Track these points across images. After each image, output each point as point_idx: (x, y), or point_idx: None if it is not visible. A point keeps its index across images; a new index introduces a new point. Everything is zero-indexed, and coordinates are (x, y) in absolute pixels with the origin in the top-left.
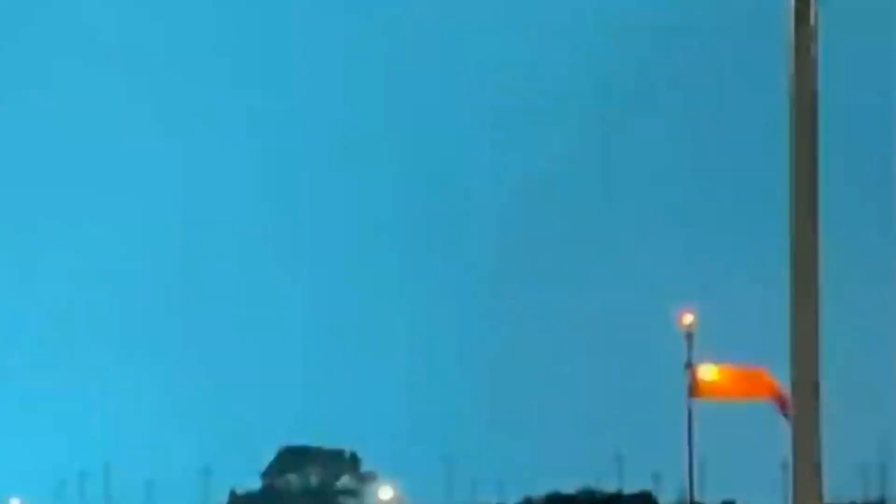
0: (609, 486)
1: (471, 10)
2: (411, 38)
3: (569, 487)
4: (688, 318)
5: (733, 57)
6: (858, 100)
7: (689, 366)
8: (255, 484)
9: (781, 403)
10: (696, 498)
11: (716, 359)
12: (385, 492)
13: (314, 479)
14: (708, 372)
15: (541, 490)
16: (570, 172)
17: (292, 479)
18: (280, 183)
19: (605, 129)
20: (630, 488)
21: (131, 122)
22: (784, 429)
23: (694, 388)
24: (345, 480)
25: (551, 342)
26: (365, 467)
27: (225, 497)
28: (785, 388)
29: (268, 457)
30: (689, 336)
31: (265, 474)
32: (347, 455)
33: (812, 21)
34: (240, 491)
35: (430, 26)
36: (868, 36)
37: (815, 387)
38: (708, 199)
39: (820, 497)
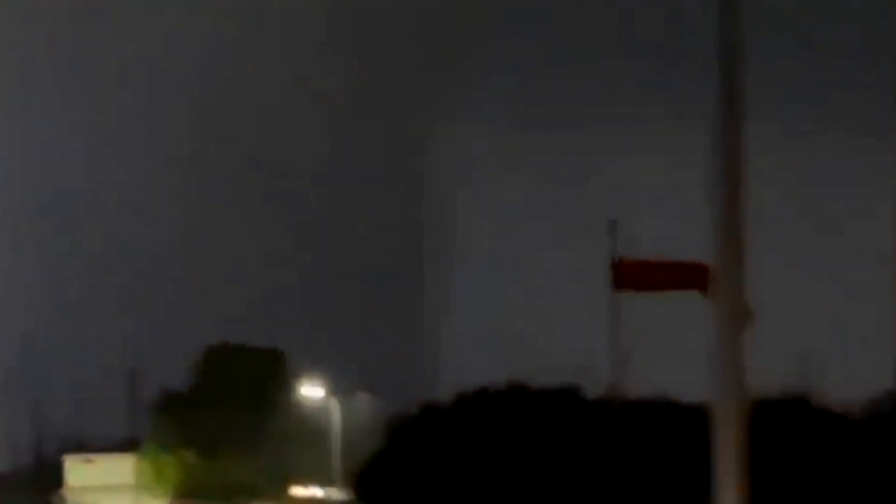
0: (535, 381)
1: None
2: None
3: (498, 383)
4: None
5: None
6: None
7: (614, 259)
8: (182, 383)
9: (706, 282)
10: (623, 392)
11: (641, 251)
12: (311, 388)
13: (242, 378)
14: (632, 265)
15: (470, 386)
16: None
17: (219, 377)
18: None
19: None
20: (557, 383)
21: None
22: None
23: (619, 281)
24: (272, 378)
25: (475, 236)
26: (292, 366)
27: (153, 397)
28: (707, 268)
29: (195, 356)
30: (613, 229)
31: (193, 373)
32: (275, 353)
33: None
34: (168, 390)
35: None
36: None
37: (740, 279)
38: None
39: (744, 392)
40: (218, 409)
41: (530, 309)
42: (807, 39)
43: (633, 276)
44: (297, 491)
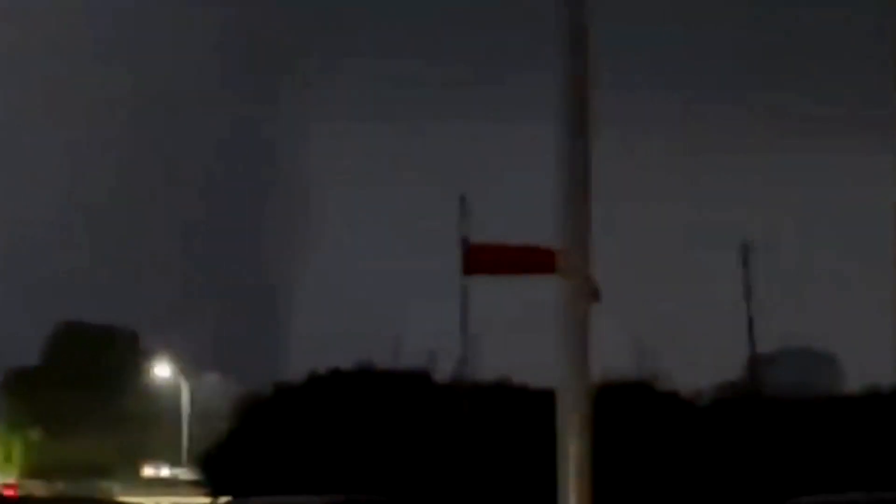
0: (385, 364)
1: None
2: None
3: (348, 364)
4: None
5: None
6: None
7: (464, 243)
8: (32, 361)
9: (552, 268)
10: (472, 376)
11: (491, 236)
12: (162, 369)
13: (91, 357)
14: (482, 249)
15: (322, 366)
16: None
17: (69, 356)
18: None
19: None
20: (407, 366)
21: None
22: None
23: (468, 266)
24: (122, 358)
25: (329, 221)
26: (143, 345)
27: (1, 375)
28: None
29: (47, 335)
30: (464, 213)
31: (43, 351)
32: (125, 333)
33: None
34: (16, 368)
35: None
36: None
37: (586, 262)
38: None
39: (588, 376)
40: (67, 388)
41: (383, 292)
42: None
43: (482, 260)
44: (148, 471)
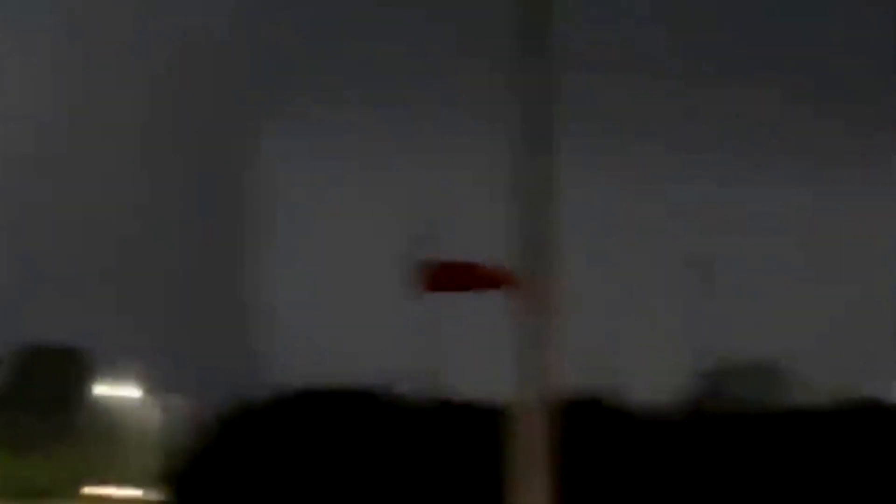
0: (343, 383)
1: None
2: None
3: (309, 385)
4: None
5: None
6: None
7: (419, 260)
8: None
9: (507, 285)
10: (425, 394)
11: (442, 253)
12: (123, 390)
13: (42, 378)
14: (437, 266)
15: (282, 388)
16: None
17: (22, 378)
18: None
19: None
20: (362, 384)
21: None
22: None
23: (423, 283)
24: (74, 378)
25: (292, 238)
26: (102, 366)
27: None
28: (509, 274)
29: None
30: (420, 228)
31: (1, 373)
32: (77, 353)
33: None
34: None
35: None
36: None
37: (544, 277)
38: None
39: (545, 393)
40: (17, 409)
41: (340, 310)
42: None
43: (437, 277)
44: (93, 490)
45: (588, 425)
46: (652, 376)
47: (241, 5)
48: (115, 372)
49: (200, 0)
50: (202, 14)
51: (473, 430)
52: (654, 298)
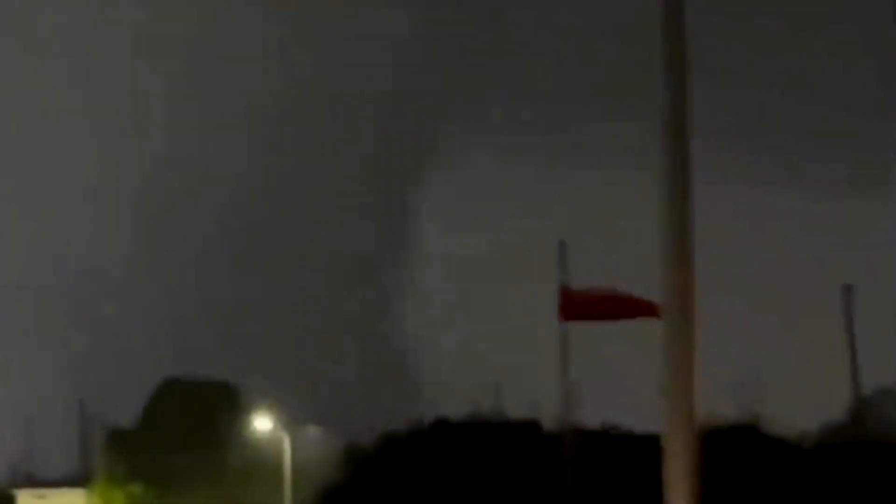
0: (491, 414)
1: None
2: None
3: (453, 412)
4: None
5: None
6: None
7: (561, 289)
8: (134, 417)
9: (654, 314)
10: (577, 423)
11: (588, 281)
12: (262, 423)
13: (192, 412)
14: (578, 295)
15: (425, 415)
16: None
17: (170, 412)
18: None
19: None
20: (511, 412)
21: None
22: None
23: (566, 312)
24: (223, 412)
25: (423, 269)
26: (244, 399)
27: (104, 430)
28: (656, 303)
29: (148, 389)
30: (562, 255)
31: (145, 408)
32: (225, 386)
33: None
34: (119, 425)
35: None
36: None
37: (689, 310)
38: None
39: (691, 417)
40: (168, 443)
41: (484, 339)
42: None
43: (580, 306)
44: None
45: (743, 451)
46: (805, 401)
47: (399, 59)
48: (260, 406)
49: (360, 54)
50: (363, 67)
51: (622, 458)
52: (803, 322)
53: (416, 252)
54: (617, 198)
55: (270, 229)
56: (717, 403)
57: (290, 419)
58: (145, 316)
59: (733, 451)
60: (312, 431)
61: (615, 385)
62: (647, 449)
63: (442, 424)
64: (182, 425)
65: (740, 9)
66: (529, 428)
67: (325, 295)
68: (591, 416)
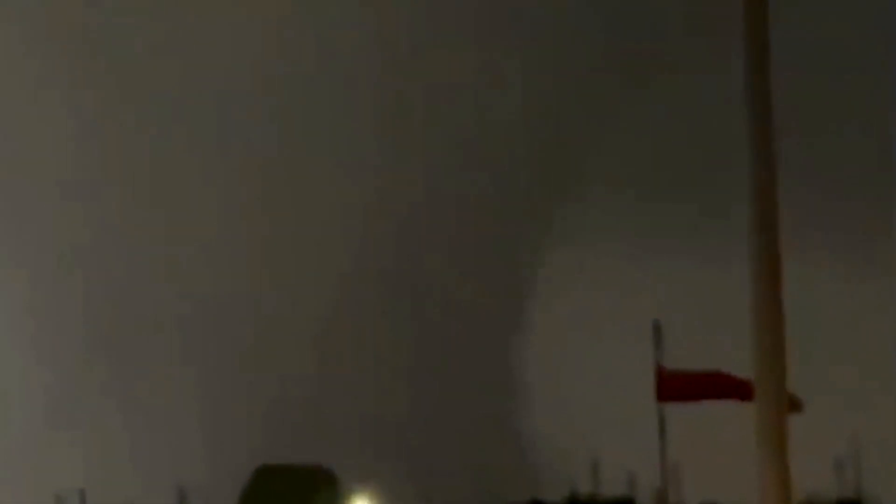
0: (587, 491)
1: None
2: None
3: (550, 494)
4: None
5: None
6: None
7: (658, 369)
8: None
9: (747, 393)
10: (674, 500)
11: (684, 362)
12: None
13: (291, 498)
14: (676, 375)
15: (522, 497)
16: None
17: (269, 498)
18: None
19: None
20: (607, 493)
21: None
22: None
23: (662, 393)
24: (322, 498)
25: (520, 347)
26: (342, 484)
27: None
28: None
29: (245, 475)
30: (658, 333)
31: (242, 494)
32: (324, 472)
33: None
34: None
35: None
36: None
37: (781, 385)
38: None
39: (787, 496)
40: None
41: (579, 416)
42: None
43: (676, 386)
44: None
45: None
46: None
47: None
48: (359, 491)
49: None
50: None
51: None
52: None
53: (518, 336)
54: (711, 278)
55: (381, 315)
56: (820, 479)
57: (387, 502)
58: (240, 400)
59: None
60: None
61: (714, 465)
62: None
63: None
64: None
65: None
66: None
67: (426, 377)
68: (690, 498)
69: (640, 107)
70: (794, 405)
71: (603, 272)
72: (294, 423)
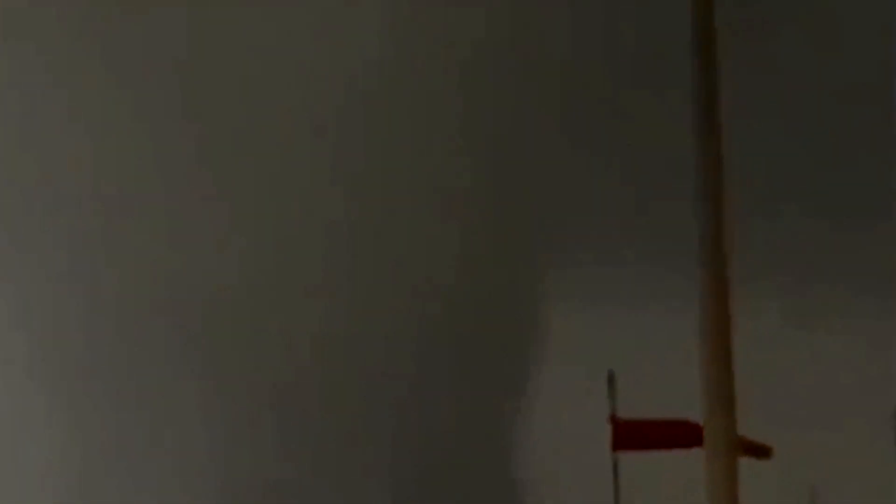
0: None
1: None
2: None
3: None
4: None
5: None
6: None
7: (612, 418)
8: None
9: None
10: None
11: (638, 411)
12: None
13: None
14: (631, 424)
15: None
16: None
17: None
18: None
19: None
20: None
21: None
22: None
23: (617, 442)
24: None
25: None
26: None
27: None
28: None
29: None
30: (611, 388)
31: None
32: None
33: None
34: None
35: None
36: None
37: (730, 433)
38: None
39: None
40: None
41: (531, 467)
42: None
43: (631, 435)
44: None
45: None
46: None
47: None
48: None
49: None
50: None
51: None
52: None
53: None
54: (664, 330)
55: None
56: None
57: None
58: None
59: None
60: None
61: None
62: None
63: None
64: None
65: None
66: None
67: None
68: None
69: (597, 162)
70: (761, 451)
71: (556, 321)
72: (296, 473)
